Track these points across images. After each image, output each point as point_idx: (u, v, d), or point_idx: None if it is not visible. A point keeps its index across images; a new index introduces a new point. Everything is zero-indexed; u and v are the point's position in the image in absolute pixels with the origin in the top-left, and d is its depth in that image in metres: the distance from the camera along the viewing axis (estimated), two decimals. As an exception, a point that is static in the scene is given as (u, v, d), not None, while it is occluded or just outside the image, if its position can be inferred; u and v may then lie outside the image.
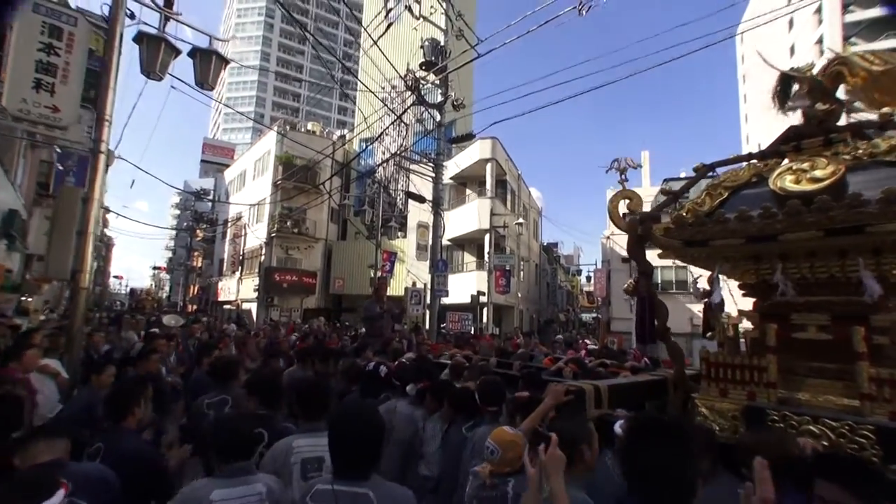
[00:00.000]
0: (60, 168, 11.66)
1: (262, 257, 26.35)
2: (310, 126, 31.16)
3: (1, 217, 8.71)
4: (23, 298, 11.77)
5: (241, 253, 29.05)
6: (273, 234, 25.84)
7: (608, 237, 25.72)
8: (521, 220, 20.12)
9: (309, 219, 26.48)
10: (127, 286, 75.58)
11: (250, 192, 29.04)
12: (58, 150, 11.91)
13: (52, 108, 4.53)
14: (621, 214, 3.73)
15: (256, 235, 25.80)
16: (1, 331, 7.28)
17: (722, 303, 3.35)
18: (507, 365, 5.99)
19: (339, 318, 24.43)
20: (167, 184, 23.13)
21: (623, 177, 3.77)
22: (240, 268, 29.08)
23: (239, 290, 28.75)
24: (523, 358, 6.66)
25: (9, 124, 4.80)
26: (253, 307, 26.24)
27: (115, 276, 67.05)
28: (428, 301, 14.37)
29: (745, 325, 3.56)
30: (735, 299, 3.56)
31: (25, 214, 10.76)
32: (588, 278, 37.05)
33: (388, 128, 18.37)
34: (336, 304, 28.77)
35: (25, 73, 4.42)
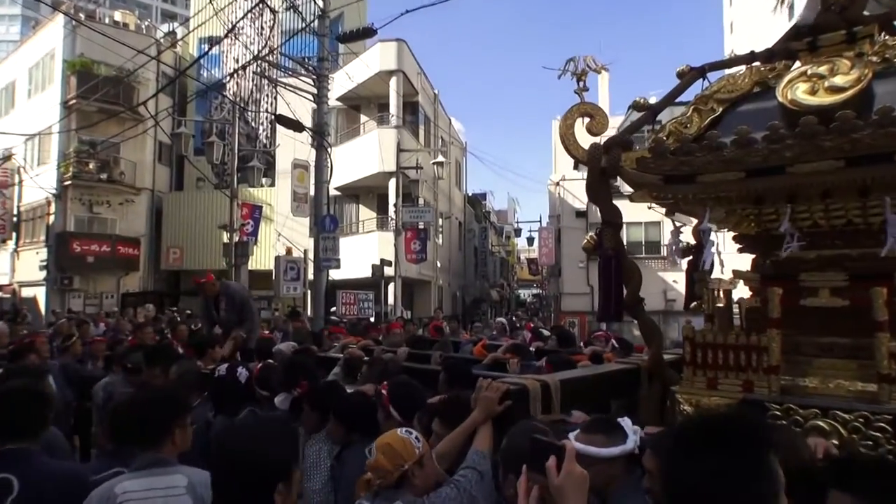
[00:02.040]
0: None
1: (52, 217, 24.59)
2: (118, 16, 29.04)
3: None
4: None
5: (16, 212, 26.79)
6: (67, 183, 24.21)
7: (557, 184, 26.36)
8: (440, 158, 20.06)
9: (125, 159, 25.06)
10: None
11: (25, 116, 26.66)
12: None
13: None
14: (577, 140, 3.70)
15: (40, 184, 23.75)
16: None
17: (712, 262, 3.44)
18: (422, 358, 5.99)
19: (177, 304, 23.47)
20: None
21: (582, 84, 3.71)
22: (14, 235, 26.86)
23: (15, 268, 26.72)
24: (445, 347, 6.68)
25: None
26: (40, 293, 24.63)
27: None
28: (310, 276, 14.06)
29: (741, 292, 3.71)
30: (725, 262, 3.67)
31: None
32: (529, 240, 38.00)
33: (244, 17, 17.36)
34: (172, 285, 27.61)
35: None
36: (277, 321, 14.36)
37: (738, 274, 3.65)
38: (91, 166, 24.45)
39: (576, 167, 27.19)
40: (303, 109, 15.21)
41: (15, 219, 26.72)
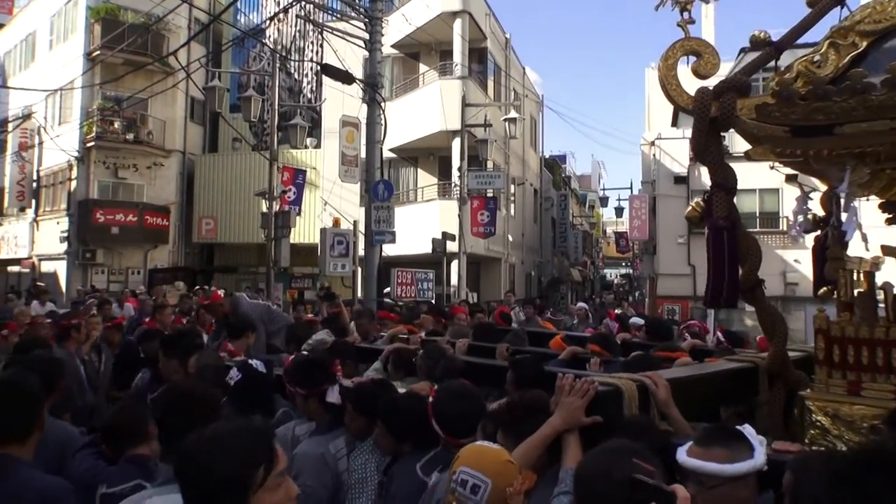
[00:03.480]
0: None
1: (74, 183, 25.66)
2: (145, -45, 29.65)
3: None
4: None
5: (36, 177, 28.10)
6: (91, 144, 25.14)
7: (652, 143, 25.75)
8: (513, 113, 19.82)
9: (153, 117, 25.81)
10: None
11: (46, 69, 27.73)
12: None
13: None
14: (681, 85, 3.52)
15: (61, 146, 24.79)
16: None
17: (850, 237, 3.26)
18: (487, 351, 5.92)
19: (210, 282, 24.20)
20: None
21: (686, 15, 3.51)
22: (34, 202, 28.24)
23: (34, 239, 28.08)
24: (518, 339, 6.59)
25: None
26: (60, 267, 25.79)
27: None
28: (361, 251, 14.17)
29: (886, 275, 3.50)
30: (868, 236, 3.46)
31: None
32: (618, 211, 37.35)
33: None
34: (205, 260, 28.47)
35: None
36: (321, 305, 14.58)
37: (887, 251, 3.43)
38: (116, 125, 25.30)
39: (675, 123, 26.47)
40: (353, 58, 15.28)
41: (35, 185, 28.00)
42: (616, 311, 15.64)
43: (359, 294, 17.64)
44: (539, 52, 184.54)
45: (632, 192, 32.40)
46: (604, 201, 38.96)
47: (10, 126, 28.75)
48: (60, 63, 26.41)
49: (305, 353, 5.93)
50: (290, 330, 7.33)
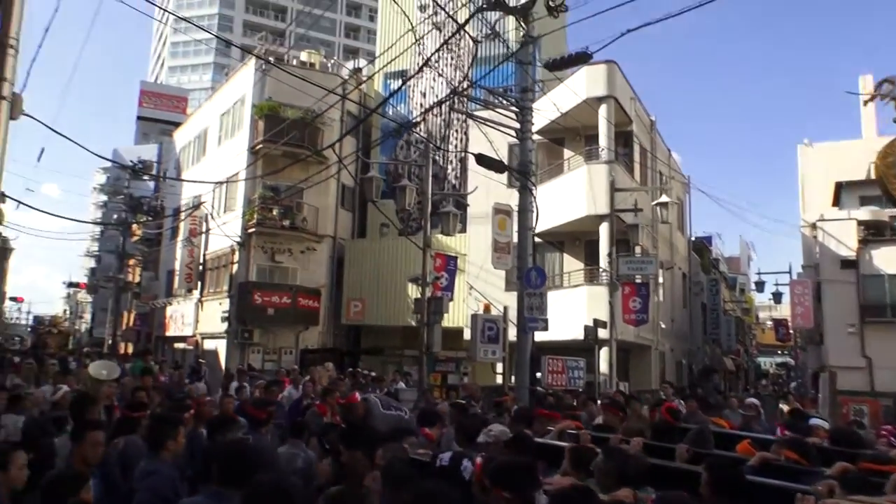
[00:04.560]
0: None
1: (235, 267, 27.12)
2: (304, 56, 31.83)
3: None
4: None
5: (202, 260, 29.96)
6: (251, 230, 26.57)
7: (813, 225, 24.54)
8: (664, 198, 19.41)
9: (308, 204, 27.13)
10: (29, 313, 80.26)
11: (215, 163, 30.00)
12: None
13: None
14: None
15: (226, 232, 26.38)
16: None
17: None
18: (663, 451, 5.66)
19: (357, 364, 24.64)
20: (94, 153, 24.08)
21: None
22: (199, 284, 30.02)
23: (198, 319, 29.71)
24: (702, 440, 6.22)
25: None
26: (221, 346, 27.08)
27: (13, 299, 71.36)
28: (510, 337, 14.05)
29: None
30: None
31: None
32: (776, 297, 35.48)
33: (441, 48, 18.22)
34: (352, 342, 29.07)
35: None
36: (472, 389, 14.47)
37: None
38: (274, 213, 26.71)
39: (837, 202, 25.09)
40: (497, 144, 15.45)
41: (201, 267, 29.91)
42: (783, 405, 14.52)
43: (508, 380, 17.53)
44: (681, 131, 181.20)
45: (791, 276, 30.72)
46: (760, 286, 36.96)
47: (183, 214, 31.13)
48: (227, 156, 28.49)
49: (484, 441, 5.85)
50: (460, 425, 7.21)
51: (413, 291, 20.72)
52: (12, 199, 11.50)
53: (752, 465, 5.23)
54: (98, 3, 51.60)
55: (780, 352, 50.02)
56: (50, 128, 8.91)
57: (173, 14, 59.02)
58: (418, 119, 26.83)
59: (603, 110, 21.06)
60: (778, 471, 5.12)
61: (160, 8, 40.73)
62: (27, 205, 35.03)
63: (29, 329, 67.63)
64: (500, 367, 18.77)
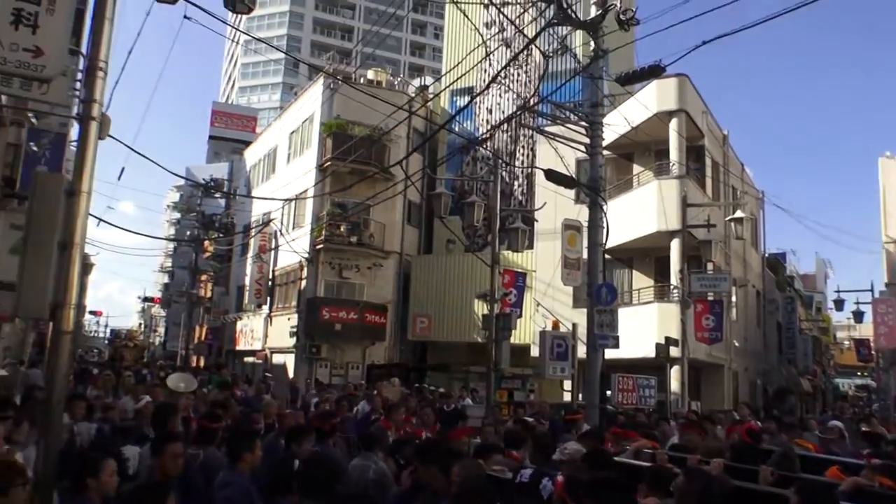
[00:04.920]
0: (35, 149, 12.79)
1: (303, 282, 27.57)
2: (371, 74, 32.30)
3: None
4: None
5: (272, 276, 30.57)
6: (319, 247, 27.03)
7: None
8: (739, 213, 18.97)
9: (375, 220, 27.47)
10: (106, 326, 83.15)
11: (284, 180, 30.61)
12: (33, 119, 13.06)
13: (33, 50, 4.80)
14: None
15: (294, 248, 26.85)
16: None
17: None
18: (745, 473, 5.54)
19: (423, 379, 24.70)
20: (169, 171, 24.91)
21: None
22: (269, 299, 30.62)
23: (268, 333, 30.31)
24: (787, 462, 6.01)
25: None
26: (289, 361, 27.52)
27: (92, 312, 74.11)
28: (580, 353, 13.89)
29: None
30: None
31: (-15, 222, 11.83)
32: (857, 316, 34.18)
33: (509, 63, 18.25)
34: (418, 357, 29.18)
35: (2, 2, 4.74)
36: (541, 406, 14.32)
37: None
38: (342, 229, 27.09)
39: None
40: (563, 161, 15.35)
41: (270, 283, 30.53)
42: (865, 427, 13.91)
43: (573, 397, 17.32)
44: (754, 144, 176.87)
45: (873, 294, 29.59)
46: (839, 304, 35.60)
47: (253, 231, 31.86)
48: (296, 174, 29.06)
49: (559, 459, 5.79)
50: (535, 439, 7.13)
51: (479, 307, 20.71)
52: (94, 216, 11.91)
53: (843, 490, 5.03)
54: (178, 27, 53.67)
55: (860, 373, 48.30)
56: (131, 148, 9.36)
57: (245, 34, 60.61)
58: (486, 135, 26.86)
59: (674, 124, 20.77)
60: (872, 498, 4.90)
61: (233, 27, 41.97)
62: (107, 222, 36.49)
63: (106, 342, 70.03)
64: (568, 385, 18.60)
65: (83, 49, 5.89)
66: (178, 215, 66.02)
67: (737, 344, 23.36)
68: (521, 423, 8.74)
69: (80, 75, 5.44)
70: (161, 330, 71.49)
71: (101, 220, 28.02)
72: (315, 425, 7.32)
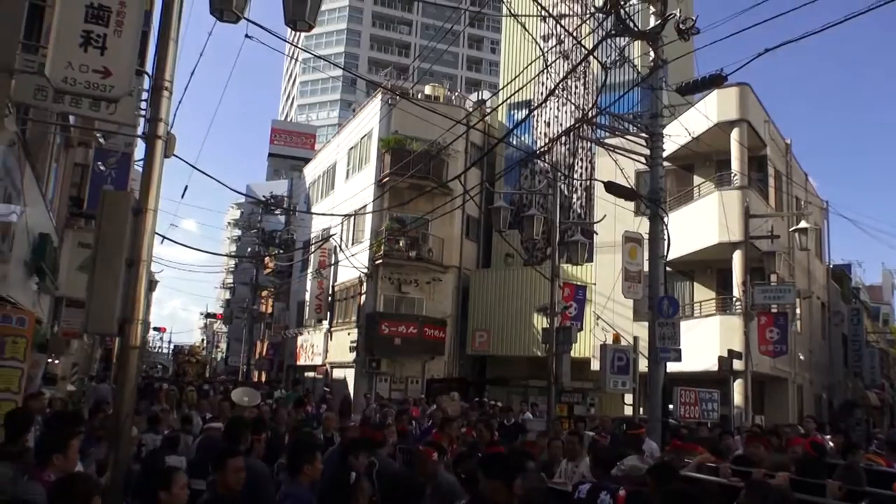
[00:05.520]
0: (102, 168, 13.37)
1: (363, 297, 27.85)
2: (428, 90, 32.59)
3: (31, 244, 10.09)
4: (48, 360, 13.57)
5: (331, 291, 30.93)
6: (378, 262, 27.30)
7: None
8: (803, 224, 18.58)
9: (433, 235, 27.62)
10: (170, 342, 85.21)
11: (343, 196, 31.06)
12: (101, 139, 13.68)
13: (102, 71, 4.99)
14: None
15: (354, 264, 27.22)
16: (38, 405, 8.41)
17: None
18: (811, 487, 5.47)
19: (482, 394, 24.72)
20: (230, 188, 25.60)
21: None
22: (329, 314, 31.00)
23: (328, 348, 30.67)
24: (853, 475, 5.91)
25: (44, 106, 5.43)
26: (349, 375, 27.80)
27: (156, 329, 76.09)
28: (641, 367, 13.80)
29: None
30: None
31: (56, 240, 12.42)
32: (924, 328, 33.34)
33: (567, 76, 18.32)
34: (477, 372, 29.19)
35: (72, 26, 4.96)
36: (603, 420, 14.24)
37: None
38: (401, 244, 27.28)
39: None
40: (622, 173, 15.29)
41: (330, 298, 30.97)
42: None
43: (638, 412, 17.14)
44: (818, 153, 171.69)
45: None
46: (906, 317, 34.82)
47: (313, 247, 32.41)
48: (355, 190, 29.43)
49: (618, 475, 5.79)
50: (595, 453, 7.13)
51: (539, 321, 20.68)
52: (159, 234, 12.37)
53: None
54: (239, 47, 55.09)
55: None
56: (194, 166, 9.62)
57: (305, 51, 61.83)
58: (544, 148, 26.87)
59: (735, 134, 20.47)
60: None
61: (293, 45, 42.82)
62: (171, 240, 37.60)
63: (170, 357, 71.81)
64: (629, 398, 18.43)
65: (148, 69, 6.11)
66: (238, 232, 67.45)
67: (801, 357, 22.79)
68: (576, 436, 8.73)
69: (145, 95, 5.55)
70: (223, 345, 72.99)
71: (164, 237, 28.84)
72: (368, 436, 7.47)
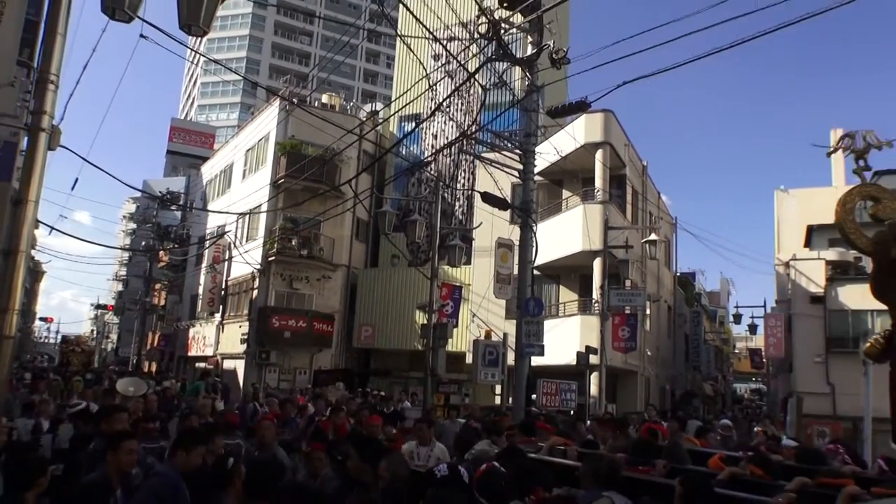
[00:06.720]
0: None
1: (255, 292, 27.36)
2: (325, 98, 32.33)
3: None
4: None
5: (224, 286, 30.18)
6: (271, 259, 26.90)
7: (787, 264, 24.91)
8: (653, 236, 19.70)
9: (324, 235, 27.47)
10: (57, 333, 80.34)
11: (239, 195, 30.28)
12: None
13: (-21, 59, 4.81)
14: (857, 224, 3.56)
15: (247, 260, 26.68)
16: None
17: None
18: (641, 465, 5.82)
19: (366, 384, 24.81)
20: (126, 184, 24.53)
21: (862, 163, 3.61)
22: (221, 308, 30.23)
23: (219, 340, 29.91)
24: (676, 455, 6.41)
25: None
26: (239, 366, 27.20)
27: (42, 319, 71.54)
28: (510, 360, 14.25)
29: None
30: None
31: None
32: (751, 328, 36.13)
33: (453, 94, 18.65)
34: (362, 364, 29.21)
35: None
36: (473, 409, 14.64)
37: None
38: (293, 243, 26.96)
39: (808, 244, 25.36)
40: (502, 183, 15.82)
41: (223, 293, 30.17)
42: (757, 427, 14.68)
43: (503, 401, 17.70)
44: (670, 174, 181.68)
45: (766, 310, 31.19)
46: (737, 318, 37.55)
47: (208, 242, 31.46)
48: (251, 190, 28.77)
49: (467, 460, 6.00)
50: (458, 437, 7.40)
51: (420, 318, 20.95)
52: (45, 224, 11.74)
53: (721, 479, 5.41)
54: (133, 45, 52.77)
55: (754, 379, 51.08)
56: (85, 159, 9.14)
57: (205, 56, 59.96)
58: (430, 159, 27.22)
59: (599, 155, 21.37)
60: (744, 485, 5.30)
61: (192, 50, 41.41)
62: (59, 230, 35.51)
63: (57, 348, 67.78)
64: (498, 389, 18.98)
65: (35, 62, 5.84)
66: (133, 226, 64.39)
67: (649, 353, 24.07)
68: (425, 423, 8.84)
69: (31, 87, 5.39)
70: (114, 336, 69.46)
71: (53, 228, 27.37)
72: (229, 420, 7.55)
